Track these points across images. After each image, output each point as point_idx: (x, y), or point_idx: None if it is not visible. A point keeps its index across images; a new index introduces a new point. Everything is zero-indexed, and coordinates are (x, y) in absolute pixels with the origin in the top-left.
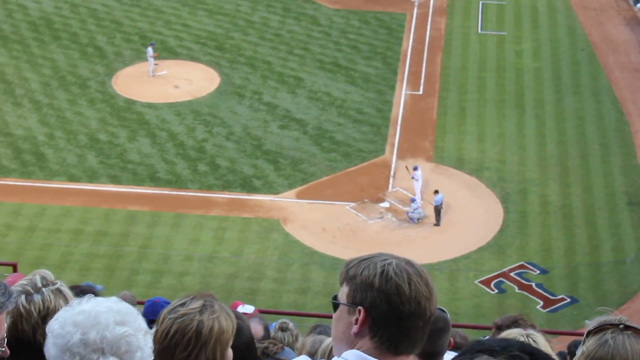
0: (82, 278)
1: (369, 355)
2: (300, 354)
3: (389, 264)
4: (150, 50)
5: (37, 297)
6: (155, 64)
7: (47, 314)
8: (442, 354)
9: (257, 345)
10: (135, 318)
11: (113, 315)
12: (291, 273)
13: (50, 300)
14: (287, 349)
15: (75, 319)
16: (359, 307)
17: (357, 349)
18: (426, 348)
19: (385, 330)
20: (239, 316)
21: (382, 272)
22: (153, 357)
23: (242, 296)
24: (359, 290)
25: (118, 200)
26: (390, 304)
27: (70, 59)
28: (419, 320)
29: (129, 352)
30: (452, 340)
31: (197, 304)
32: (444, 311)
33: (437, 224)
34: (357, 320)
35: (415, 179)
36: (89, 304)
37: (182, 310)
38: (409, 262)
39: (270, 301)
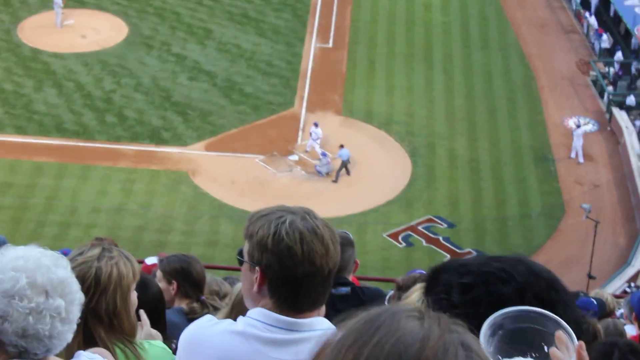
0: None
1: (273, 312)
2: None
3: (283, 222)
4: None
5: None
6: (62, 13)
7: None
8: (347, 269)
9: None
10: (67, 262)
11: (50, 259)
12: (200, 225)
13: None
14: None
15: (15, 264)
16: (257, 267)
17: (262, 307)
18: None
19: (282, 290)
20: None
21: (275, 232)
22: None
23: (151, 248)
24: (256, 250)
25: (23, 151)
26: (283, 266)
27: None
28: (315, 278)
29: (71, 293)
30: (357, 262)
31: (95, 251)
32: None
33: (335, 180)
34: (257, 279)
35: (312, 138)
36: (18, 250)
37: (80, 259)
38: (304, 218)
39: None
